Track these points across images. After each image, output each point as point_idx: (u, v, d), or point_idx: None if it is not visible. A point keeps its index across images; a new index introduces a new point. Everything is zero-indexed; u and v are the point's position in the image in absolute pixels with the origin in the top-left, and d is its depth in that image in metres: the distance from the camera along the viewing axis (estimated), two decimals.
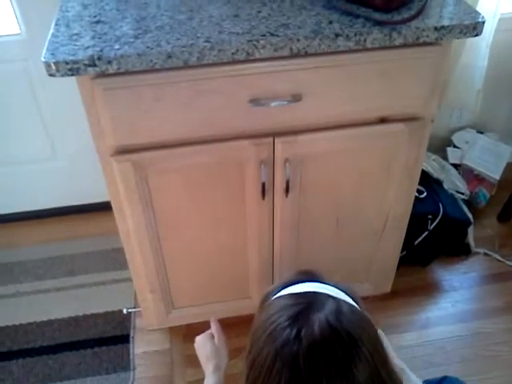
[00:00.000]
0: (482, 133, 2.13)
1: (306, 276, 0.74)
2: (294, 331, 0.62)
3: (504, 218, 2.05)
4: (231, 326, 1.34)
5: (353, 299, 0.71)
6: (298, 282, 0.72)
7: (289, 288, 0.72)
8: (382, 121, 1.22)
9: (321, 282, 0.72)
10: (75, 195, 2.06)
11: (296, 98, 1.13)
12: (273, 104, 1.12)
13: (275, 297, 0.71)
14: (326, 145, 1.24)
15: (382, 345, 0.68)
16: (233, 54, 1.02)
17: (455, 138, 2.13)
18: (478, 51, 1.81)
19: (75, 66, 0.98)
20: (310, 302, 0.66)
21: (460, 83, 1.89)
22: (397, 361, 1.02)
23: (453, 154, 2.09)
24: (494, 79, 1.96)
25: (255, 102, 1.12)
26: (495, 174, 2.05)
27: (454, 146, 2.11)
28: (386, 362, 0.67)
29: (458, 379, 1.12)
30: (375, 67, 1.12)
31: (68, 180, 2.01)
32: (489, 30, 1.75)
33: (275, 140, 1.19)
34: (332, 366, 0.61)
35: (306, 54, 1.06)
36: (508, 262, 1.90)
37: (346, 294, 0.71)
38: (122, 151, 1.15)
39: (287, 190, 1.28)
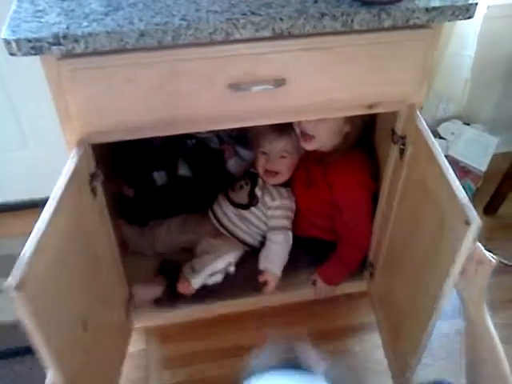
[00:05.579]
0: (468, 124, 2.09)
1: None
2: None
3: (490, 211, 2.02)
4: (231, 321, 1.27)
5: None
6: None
7: None
8: (370, 107, 1.17)
9: None
10: (49, 186, 1.97)
11: (279, 83, 1.06)
12: (254, 89, 1.05)
13: None
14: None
15: None
16: (211, 33, 0.95)
17: (441, 129, 2.09)
18: (466, 40, 1.76)
19: (38, 44, 0.90)
20: None
21: (447, 72, 1.84)
22: None
23: (438, 146, 2.05)
24: (481, 69, 1.92)
25: (235, 86, 1.05)
26: (481, 165, 2.01)
27: (440, 137, 2.07)
28: None
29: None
30: (363, 50, 1.06)
31: (41, 170, 1.92)
32: (478, 17, 1.70)
33: None
34: None
35: (290, 35, 0.99)
36: (495, 256, 1.86)
37: None
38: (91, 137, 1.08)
39: None
